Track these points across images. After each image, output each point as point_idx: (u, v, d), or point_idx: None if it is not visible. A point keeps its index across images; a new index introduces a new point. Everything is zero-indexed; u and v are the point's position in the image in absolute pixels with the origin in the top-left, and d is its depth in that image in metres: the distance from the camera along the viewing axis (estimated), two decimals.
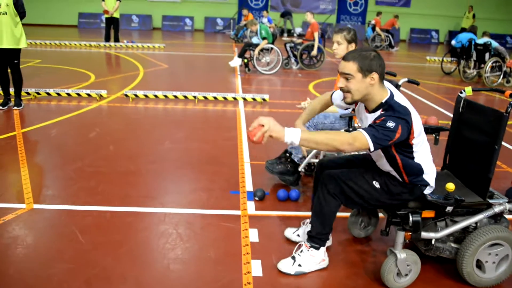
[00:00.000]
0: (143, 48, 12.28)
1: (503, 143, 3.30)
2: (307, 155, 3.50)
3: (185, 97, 6.53)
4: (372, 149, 2.09)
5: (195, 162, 4.11)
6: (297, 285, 2.39)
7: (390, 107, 2.16)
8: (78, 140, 4.66)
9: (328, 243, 2.57)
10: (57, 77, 7.92)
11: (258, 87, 8.02)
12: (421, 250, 2.45)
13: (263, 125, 2.03)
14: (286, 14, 17.79)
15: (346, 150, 2.09)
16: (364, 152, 2.61)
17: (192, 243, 2.74)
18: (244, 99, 6.62)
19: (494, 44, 9.30)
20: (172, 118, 5.73)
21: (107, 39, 12.61)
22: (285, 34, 17.50)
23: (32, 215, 3.01)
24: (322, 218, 2.38)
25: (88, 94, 6.39)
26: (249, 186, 3.60)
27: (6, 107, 5.61)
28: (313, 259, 2.46)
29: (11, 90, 5.73)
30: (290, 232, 2.81)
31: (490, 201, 2.38)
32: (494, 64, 9.28)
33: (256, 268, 2.50)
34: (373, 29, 15.04)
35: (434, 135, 3.06)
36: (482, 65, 9.36)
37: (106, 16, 12.38)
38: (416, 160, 2.26)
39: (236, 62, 9.22)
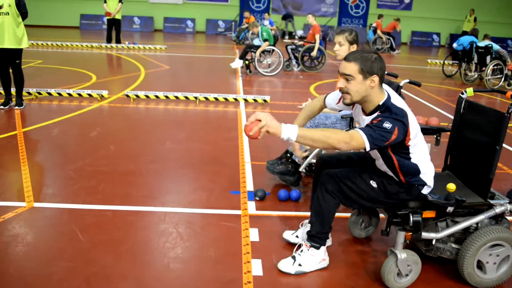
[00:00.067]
0: (144, 50, 12.29)
1: (504, 145, 3.30)
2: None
3: (186, 98, 6.54)
4: (368, 148, 2.09)
5: (195, 162, 4.11)
6: (297, 284, 2.38)
7: (387, 109, 2.16)
8: (79, 139, 4.66)
9: (328, 242, 2.58)
10: (58, 77, 7.94)
11: (259, 88, 8.02)
12: (422, 250, 2.45)
13: (260, 120, 2.03)
14: (287, 17, 17.85)
15: (342, 149, 2.08)
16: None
17: (192, 242, 2.74)
18: (245, 100, 6.63)
19: (496, 47, 9.32)
20: (173, 118, 5.73)
21: (109, 40, 12.64)
22: (287, 37, 17.54)
23: (33, 214, 3.01)
24: (321, 217, 2.39)
25: (89, 95, 6.40)
26: (249, 186, 3.60)
27: (7, 107, 5.62)
28: (313, 259, 2.46)
29: (13, 90, 5.76)
30: (288, 234, 2.79)
31: (491, 201, 2.38)
32: (495, 67, 9.30)
33: (256, 267, 2.49)
34: (375, 32, 15.04)
35: (435, 136, 3.06)
36: (483, 68, 9.37)
37: (108, 17, 12.42)
38: (413, 160, 2.26)
39: (238, 63, 9.22)
